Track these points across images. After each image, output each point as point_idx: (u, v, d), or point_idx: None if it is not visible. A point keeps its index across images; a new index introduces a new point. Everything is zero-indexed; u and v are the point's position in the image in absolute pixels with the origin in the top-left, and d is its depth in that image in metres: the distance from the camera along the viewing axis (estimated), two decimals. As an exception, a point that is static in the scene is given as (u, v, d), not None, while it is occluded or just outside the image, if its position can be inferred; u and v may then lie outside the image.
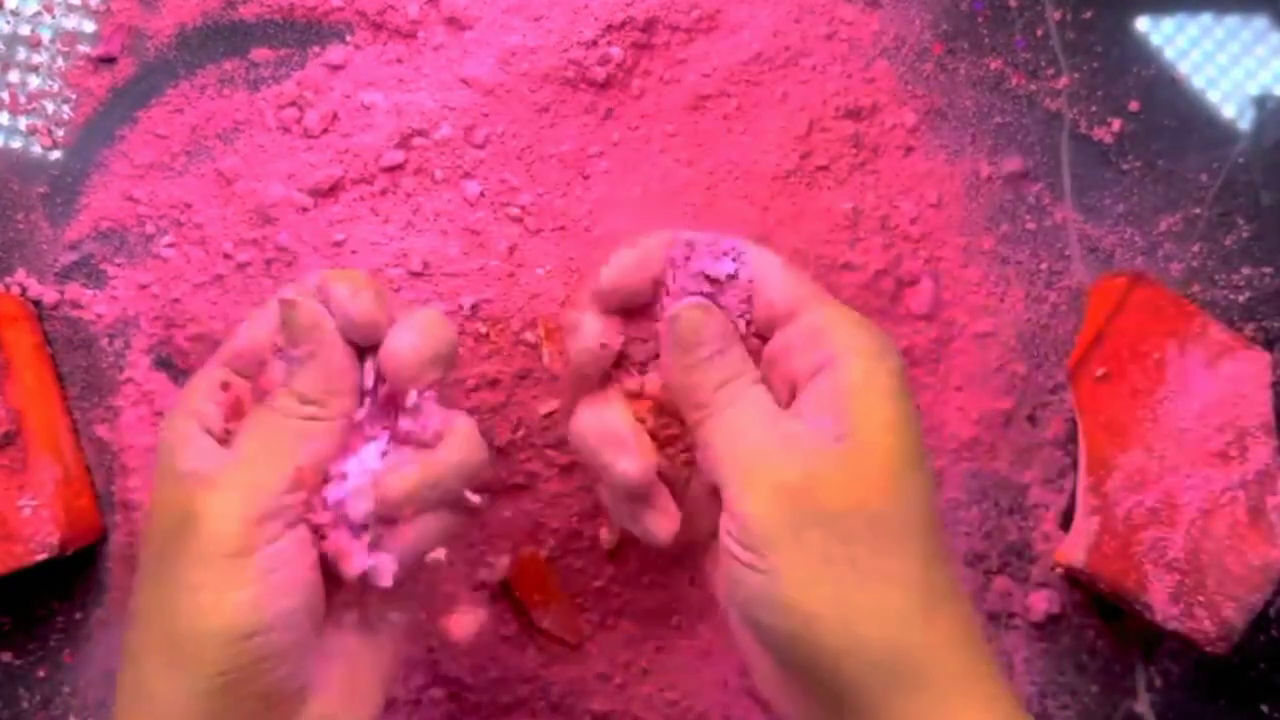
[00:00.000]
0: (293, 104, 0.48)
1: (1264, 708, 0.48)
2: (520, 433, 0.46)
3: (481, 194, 0.47)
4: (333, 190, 0.47)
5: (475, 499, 0.36)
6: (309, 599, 0.34)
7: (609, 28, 0.48)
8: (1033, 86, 0.51)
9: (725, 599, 0.35)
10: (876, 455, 0.32)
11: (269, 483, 0.33)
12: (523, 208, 0.47)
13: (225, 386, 0.36)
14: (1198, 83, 0.51)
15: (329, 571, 0.35)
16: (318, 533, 0.34)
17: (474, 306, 0.46)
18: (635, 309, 0.37)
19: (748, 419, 0.35)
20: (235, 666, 0.32)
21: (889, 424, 0.33)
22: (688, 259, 0.36)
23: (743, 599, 0.33)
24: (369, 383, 0.36)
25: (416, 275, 0.46)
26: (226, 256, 0.47)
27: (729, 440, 0.34)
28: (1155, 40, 0.51)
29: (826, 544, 0.32)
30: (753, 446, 0.34)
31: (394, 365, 0.35)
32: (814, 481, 0.32)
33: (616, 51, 0.48)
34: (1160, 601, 0.44)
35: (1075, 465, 0.50)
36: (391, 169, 0.47)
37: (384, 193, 0.47)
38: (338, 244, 0.46)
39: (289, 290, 0.36)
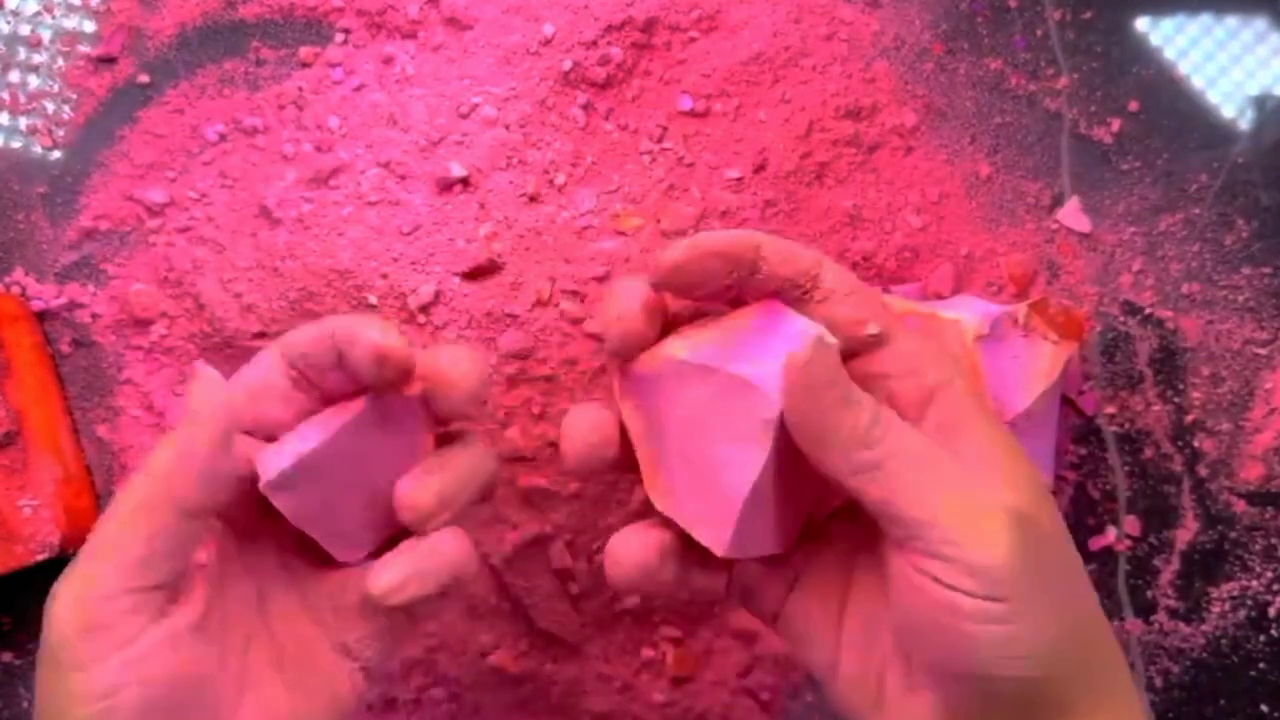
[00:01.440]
0: (293, 104, 0.48)
1: (1264, 708, 0.48)
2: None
3: (481, 194, 0.47)
4: (333, 190, 0.47)
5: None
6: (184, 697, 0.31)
7: (609, 28, 0.48)
8: (1033, 86, 0.51)
9: (930, 663, 0.30)
10: (1032, 469, 0.31)
11: (103, 573, 0.30)
12: (523, 208, 0.47)
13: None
14: (1198, 83, 0.51)
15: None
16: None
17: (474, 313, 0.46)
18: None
19: (928, 448, 0.30)
20: None
21: (1009, 449, 0.31)
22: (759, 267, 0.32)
23: (980, 658, 0.29)
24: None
25: (417, 273, 0.46)
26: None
27: (924, 473, 0.29)
28: (1155, 40, 0.51)
29: (1057, 577, 0.29)
30: (959, 477, 0.29)
31: (452, 393, 0.33)
32: (1034, 507, 0.29)
33: (616, 52, 0.48)
34: None
35: (1075, 467, 0.50)
36: (392, 168, 0.47)
37: (384, 192, 0.47)
38: (338, 244, 0.46)
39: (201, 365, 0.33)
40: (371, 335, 0.31)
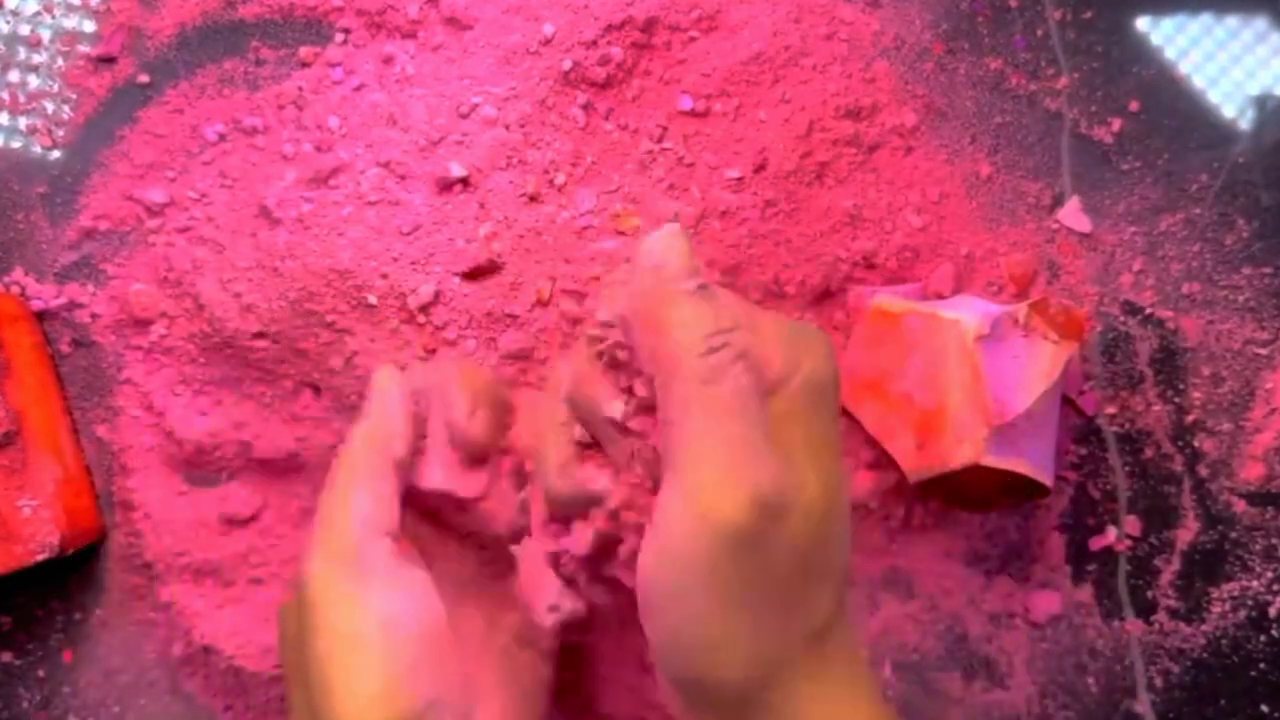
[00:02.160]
0: (293, 104, 0.48)
1: (1264, 708, 0.48)
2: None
3: (481, 194, 0.47)
4: (333, 190, 0.47)
5: None
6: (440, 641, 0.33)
7: (609, 28, 0.48)
8: (1033, 86, 0.51)
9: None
10: (812, 478, 0.30)
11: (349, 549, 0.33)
12: (523, 208, 0.47)
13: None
14: (1198, 83, 0.51)
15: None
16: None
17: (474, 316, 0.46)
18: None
19: (745, 396, 0.29)
20: None
21: (817, 445, 0.30)
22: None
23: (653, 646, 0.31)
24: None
25: (417, 273, 0.46)
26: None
27: (718, 416, 0.28)
28: (1155, 40, 0.51)
29: (749, 579, 0.29)
30: (741, 433, 0.28)
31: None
32: (785, 494, 0.29)
33: (617, 51, 0.48)
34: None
35: (1075, 467, 0.50)
36: (392, 168, 0.47)
37: (384, 192, 0.47)
38: (338, 244, 0.46)
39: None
40: (460, 407, 0.36)
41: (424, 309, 0.45)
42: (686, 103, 0.48)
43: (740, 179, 0.47)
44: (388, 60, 0.49)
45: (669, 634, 0.29)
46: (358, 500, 0.34)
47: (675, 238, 0.30)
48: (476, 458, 0.36)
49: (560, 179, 0.47)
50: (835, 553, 0.30)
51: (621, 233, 0.46)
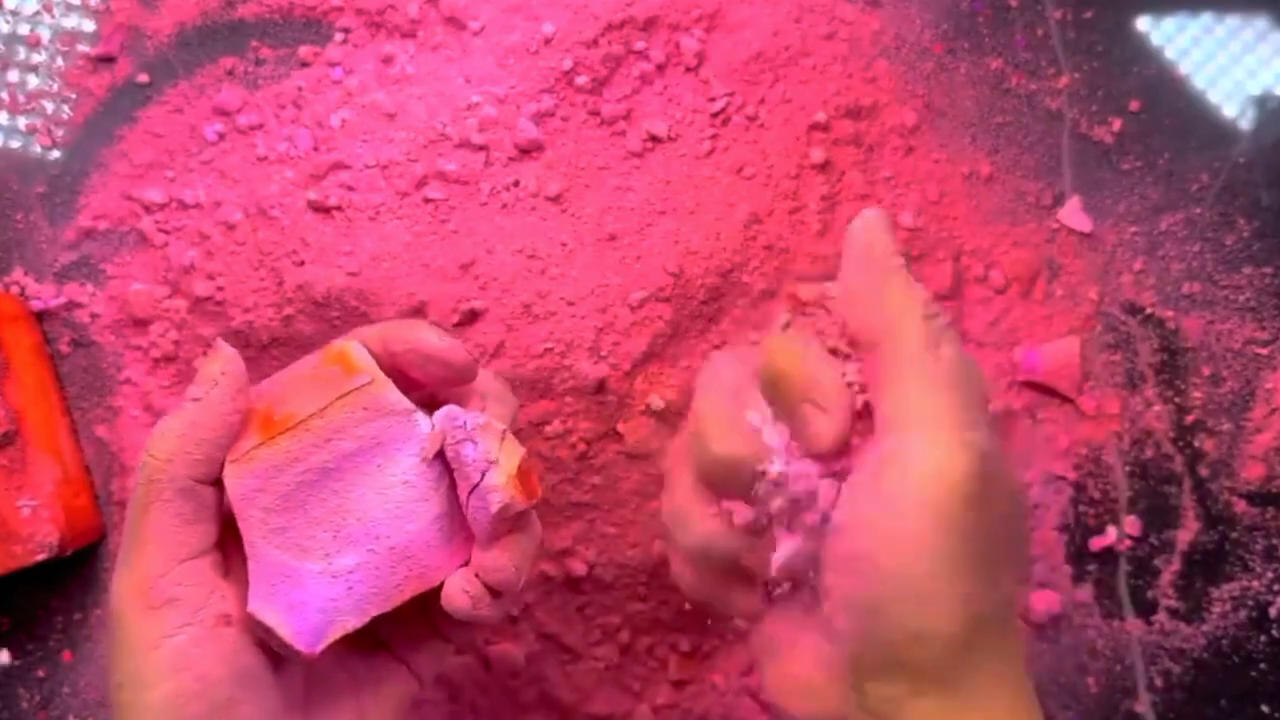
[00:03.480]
0: (292, 103, 0.48)
1: (1264, 708, 0.48)
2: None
3: (483, 194, 0.47)
4: (333, 189, 0.47)
5: None
6: (234, 690, 0.32)
7: (609, 27, 0.48)
8: (1033, 86, 0.51)
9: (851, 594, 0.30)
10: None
11: (147, 563, 0.32)
12: (523, 207, 0.47)
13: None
14: (1198, 83, 0.51)
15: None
16: None
17: (473, 312, 0.46)
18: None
19: (960, 356, 0.30)
20: None
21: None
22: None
23: (903, 582, 0.29)
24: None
25: (417, 273, 0.46)
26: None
27: (945, 374, 0.30)
28: (1155, 40, 0.51)
29: (969, 536, 0.29)
30: (965, 395, 0.30)
31: (431, 365, 0.35)
32: (991, 460, 0.30)
33: (617, 51, 0.48)
34: None
35: (1075, 466, 0.50)
36: (391, 168, 0.47)
37: (384, 191, 0.47)
38: (338, 243, 0.46)
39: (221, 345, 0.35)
40: (430, 339, 0.35)
41: (422, 307, 0.45)
42: (687, 103, 0.48)
43: (741, 179, 0.47)
44: (387, 60, 0.48)
45: (891, 585, 0.29)
46: (157, 517, 0.32)
47: (879, 219, 0.32)
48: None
49: (557, 185, 0.47)
50: (1022, 529, 0.31)
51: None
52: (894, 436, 0.29)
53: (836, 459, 0.31)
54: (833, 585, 0.30)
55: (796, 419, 0.31)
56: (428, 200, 0.46)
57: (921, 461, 0.29)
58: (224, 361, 0.33)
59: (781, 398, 0.31)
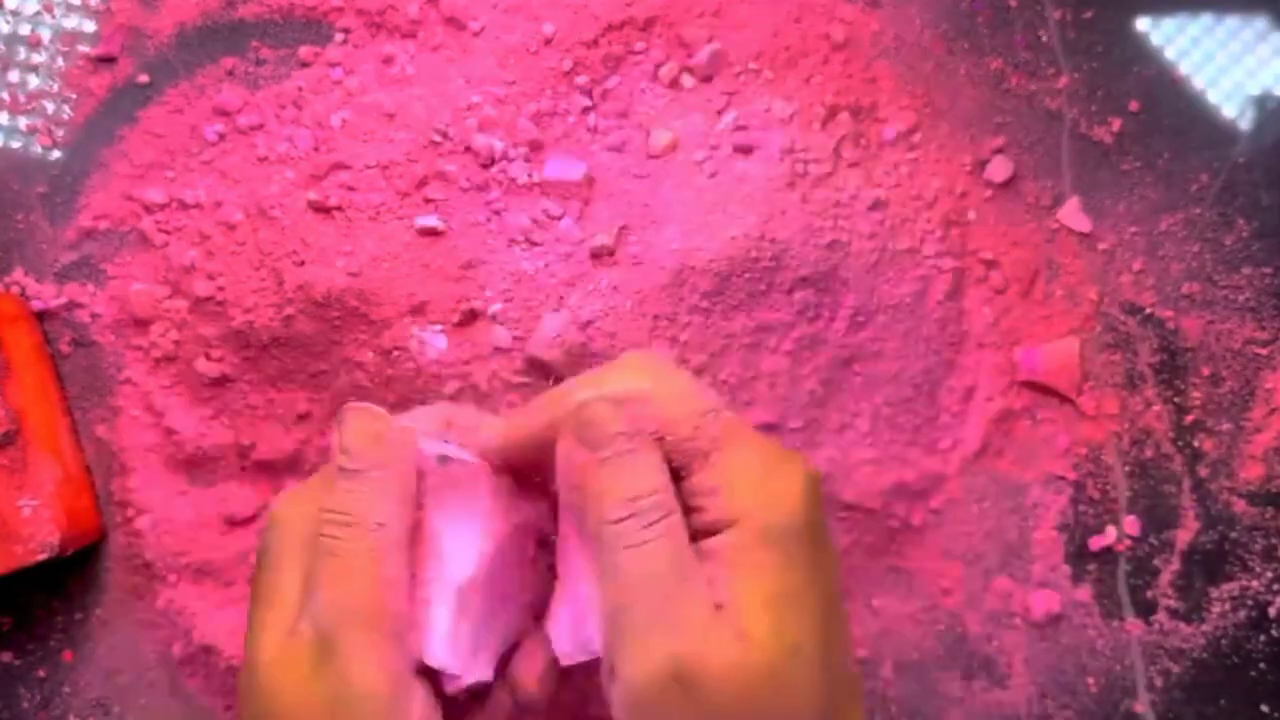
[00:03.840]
0: (292, 103, 0.48)
1: (1264, 708, 0.48)
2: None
3: (484, 192, 0.47)
4: (333, 190, 0.47)
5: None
6: None
7: (609, 28, 0.48)
8: (1033, 86, 0.51)
9: None
10: (757, 636, 0.29)
11: (387, 621, 0.31)
12: (523, 208, 0.47)
13: None
14: (1198, 83, 0.51)
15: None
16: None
17: (473, 312, 0.46)
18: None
19: (659, 561, 0.30)
20: None
21: (770, 600, 0.29)
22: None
23: None
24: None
25: (417, 273, 0.46)
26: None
27: (632, 585, 0.30)
28: (1155, 40, 0.51)
29: None
30: (655, 600, 0.29)
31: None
32: (702, 660, 0.29)
33: (617, 51, 0.48)
34: None
35: (1075, 466, 0.50)
36: (392, 168, 0.47)
37: (384, 192, 0.47)
38: (339, 243, 0.46)
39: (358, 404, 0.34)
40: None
41: (422, 307, 0.45)
42: (687, 103, 0.48)
43: (742, 179, 0.47)
44: (388, 60, 0.49)
45: None
46: (364, 672, 0.30)
47: (604, 406, 0.31)
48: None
49: (557, 186, 0.47)
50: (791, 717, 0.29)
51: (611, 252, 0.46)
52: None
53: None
54: None
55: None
56: (428, 200, 0.46)
57: (613, 680, 0.31)
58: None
59: (573, 464, 0.32)
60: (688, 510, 0.31)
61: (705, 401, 0.32)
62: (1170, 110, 0.51)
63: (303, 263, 0.46)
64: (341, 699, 0.29)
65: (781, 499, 0.31)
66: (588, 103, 0.48)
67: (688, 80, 0.48)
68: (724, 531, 0.31)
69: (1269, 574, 0.49)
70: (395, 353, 0.45)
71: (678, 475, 0.32)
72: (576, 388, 0.33)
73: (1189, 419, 0.49)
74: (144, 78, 0.49)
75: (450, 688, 0.34)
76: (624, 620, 0.30)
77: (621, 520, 0.30)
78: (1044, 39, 0.51)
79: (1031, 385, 0.50)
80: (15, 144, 0.49)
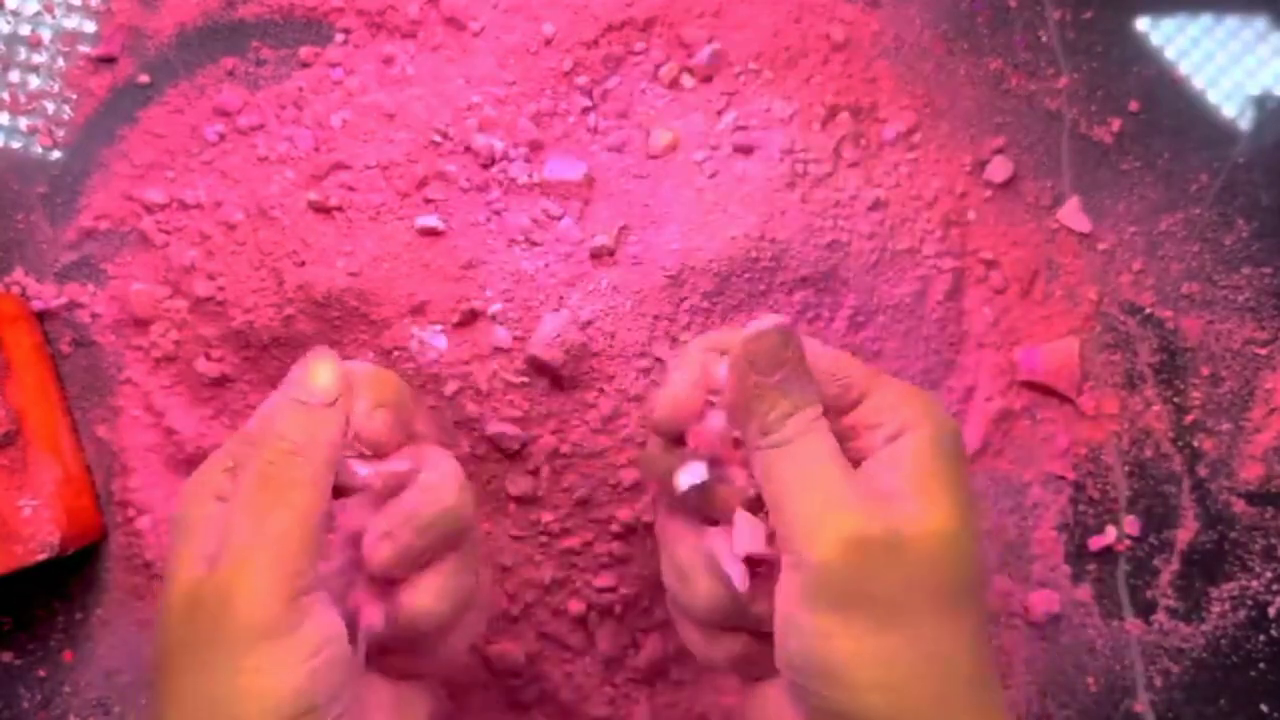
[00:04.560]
0: (293, 104, 0.48)
1: (1264, 707, 0.48)
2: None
3: (484, 192, 0.47)
4: (333, 190, 0.47)
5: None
6: (342, 664, 0.32)
7: (609, 28, 0.48)
8: (1033, 86, 0.51)
9: (778, 646, 0.32)
10: (940, 510, 0.31)
11: (296, 554, 0.31)
12: (523, 208, 0.47)
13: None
14: (1198, 83, 0.51)
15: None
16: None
17: (473, 312, 0.46)
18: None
19: (823, 455, 0.32)
20: None
21: (953, 486, 0.32)
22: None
23: (795, 652, 0.31)
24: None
25: (417, 273, 0.46)
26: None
27: (802, 475, 0.32)
28: (1155, 40, 0.51)
29: (890, 613, 0.30)
30: (832, 488, 0.32)
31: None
32: (895, 540, 0.31)
33: (617, 51, 0.48)
34: None
35: (1075, 466, 0.50)
36: (392, 168, 0.47)
37: (384, 192, 0.47)
38: (339, 243, 0.46)
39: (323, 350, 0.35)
40: (358, 407, 0.35)
41: (422, 307, 0.45)
42: (687, 103, 0.48)
43: (742, 179, 0.47)
44: (388, 60, 0.49)
45: (801, 657, 0.31)
46: (280, 553, 0.31)
47: (777, 335, 0.33)
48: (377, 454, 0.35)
49: (557, 186, 0.47)
50: (969, 590, 0.32)
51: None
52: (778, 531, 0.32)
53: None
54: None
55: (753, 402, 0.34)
56: (428, 201, 0.46)
57: (791, 561, 0.32)
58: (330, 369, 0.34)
59: (745, 386, 0.34)
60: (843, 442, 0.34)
61: (848, 358, 0.36)
62: (1170, 110, 0.51)
63: (303, 263, 0.46)
64: (224, 626, 0.30)
65: (941, 414, 0.34)
66: (588, 103, 0.48)
67: (688, 80, 0.48)
68: (888, 445, 0.33)
69: (1269, 574, 0.49)
70: (395, 353, 0.45)
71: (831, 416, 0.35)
72: (706, 344, 0.37)
73: (1189, 419, 0.49)
74: (144, 78, 0.49)
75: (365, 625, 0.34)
76: (804, 508, 0.31)
77: (786, 422, 0.33)
78: (1044, 39, 0.51)
79: (1031, 385, 0.50)
80: (15, 144, 0.49)
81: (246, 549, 0.31)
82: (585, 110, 0.48)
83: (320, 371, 0.34)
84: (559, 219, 0.46)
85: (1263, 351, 0.50)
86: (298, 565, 0.31)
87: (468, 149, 0.47)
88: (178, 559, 0.32)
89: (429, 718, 0.37)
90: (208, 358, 0.47)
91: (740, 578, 0.33)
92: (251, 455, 0.33)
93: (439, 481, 0.34)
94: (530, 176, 0.47)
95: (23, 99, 0.49)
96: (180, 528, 0.33)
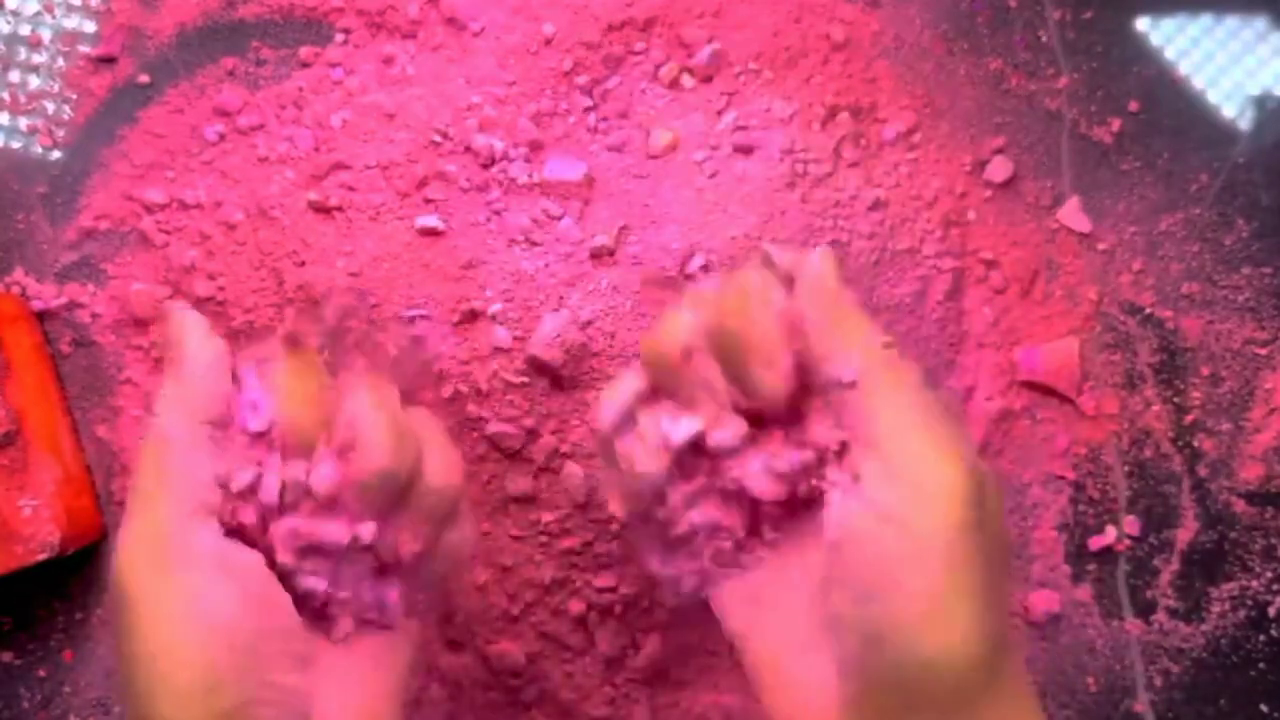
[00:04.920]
0: (293, 104, 0.48)
1: (1264, 707, 0.48)
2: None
3: (484, 192, 0.47)
4: (333, 190, 0.47)
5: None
6: (257, 634, 0.31)
7: (609, 28, 0.48)
8: (1033, 86, 0.51)
9: (828, 574, 0.30)
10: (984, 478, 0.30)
11: (164, 507, 0.31)
12: (523, 208, 0.47)
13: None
14: (1198, 83, 0.51)
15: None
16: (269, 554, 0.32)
17: (473, 312, 0.46)
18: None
19: (920, 387, 0.31)
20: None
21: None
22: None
23: (913, 618, 0.29)
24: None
25: (417, 275, 0.46)
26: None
27: (910, 396, 0.30)
28: (1155, 40, 0.51)
29: (981, 554, 0.29)
30: (943, 422, 0.30)
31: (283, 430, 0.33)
32: (986, 480, 0.30)
33: (617, 52, 0.48)
34: None
35: (1075, 466, 0.50)
36: (392, 169, 0.47)
37: (384, 192, 0.47)
38: (339, 243, 0.46)
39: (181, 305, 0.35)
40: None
41: (420, 308, 0.45)
42: (687, 103, 0.48)
43: (741, 179, 0.47)
44: (388, 60, 0.49)
45: (909, 607, 0.28)
46: (170, 477, 0.31)
47: (830, 259, 0.33)
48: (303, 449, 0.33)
49: (558, 187, 0.47)
50: (1010, 546, 0.31)
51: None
52: (895, 461, 0.30)
53: (771, 421, 0.33)
54: (841, 610, 0.30)
55: (741, 373, 0.32)
56: (428, 201, 0.46)
57: (936, 484, 0.29)
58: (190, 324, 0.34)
59: (728, 353, 0.33)
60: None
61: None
62: (1170, 110, 0.51)
63: (303, 263, 0.46)
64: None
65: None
66: (588, 103, 0.48)
67: (688, 80, 0.48)
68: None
69: (1269, 574, 0.49)
70: (396, 353, 0.45)
71: None
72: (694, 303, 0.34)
73: (1189, 419, 0.49)
74: (144, 78, 0.49)
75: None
76: (922, 427, 0.30)
77: (892, 347, 0.31)
78: (1044, 39, 0.51)
79: (1031, 385, 0.50)
80: (15, 144, 0.49)
81: (123, 531, 0.31)
82: (586, 110, 0.48)
83: (179, 326, 0.33)
84: (559, 219, 0.46)
85: (1263, 351, 0.50)
86: (176, 527, 0.31)
87: (468, 149, 0.47)
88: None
89: (409, 666, 0.35)
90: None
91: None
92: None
93: (373, 442, 0.32)
94: (530, 176, 0.47)
95: (23, 99, 0.49)
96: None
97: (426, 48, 0.49)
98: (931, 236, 0.49)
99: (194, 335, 0.33)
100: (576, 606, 0.47)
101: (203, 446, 0.32)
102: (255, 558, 0.32)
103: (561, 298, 0.46)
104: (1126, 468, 0.49)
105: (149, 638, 0.29)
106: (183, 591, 0.30)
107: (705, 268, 0.45)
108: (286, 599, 0.32)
